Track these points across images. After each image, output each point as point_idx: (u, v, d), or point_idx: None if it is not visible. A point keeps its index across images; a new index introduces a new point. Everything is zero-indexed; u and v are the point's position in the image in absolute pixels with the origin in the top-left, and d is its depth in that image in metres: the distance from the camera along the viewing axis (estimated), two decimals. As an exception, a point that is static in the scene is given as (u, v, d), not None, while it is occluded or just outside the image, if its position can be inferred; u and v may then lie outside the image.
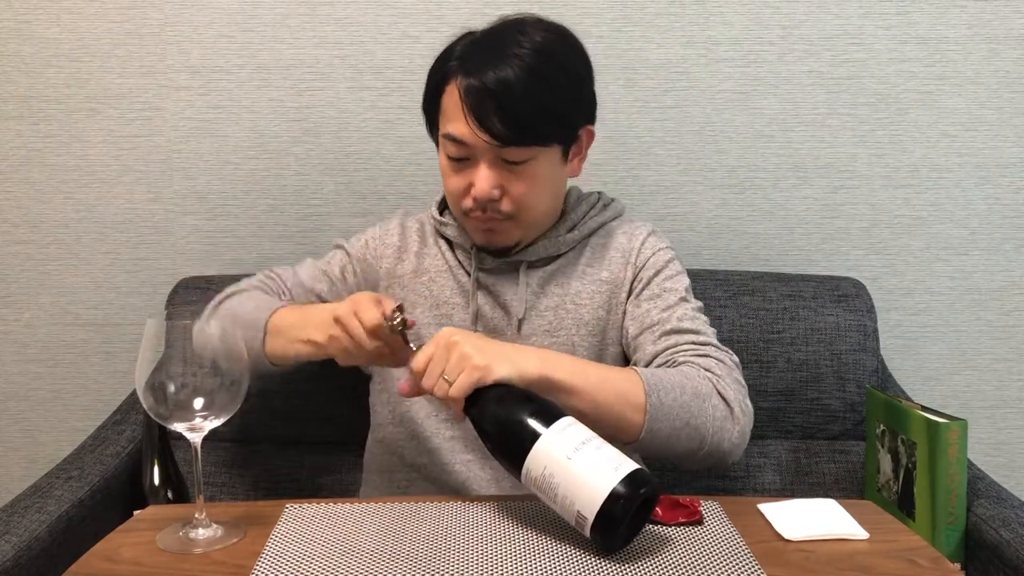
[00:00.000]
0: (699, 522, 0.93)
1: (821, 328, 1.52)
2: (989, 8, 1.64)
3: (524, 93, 1.09)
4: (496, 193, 1.14)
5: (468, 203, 1.16)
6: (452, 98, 1.13)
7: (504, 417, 0.92)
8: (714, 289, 1.55)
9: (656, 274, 1.23)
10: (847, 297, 1.55)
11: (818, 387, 1.52)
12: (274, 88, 1.66)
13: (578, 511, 0.85)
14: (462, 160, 1.15)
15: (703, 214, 1.70)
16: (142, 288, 1.71)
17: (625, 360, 1.24)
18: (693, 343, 1.14)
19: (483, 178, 1.13)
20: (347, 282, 1.31)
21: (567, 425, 0.89)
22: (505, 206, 1.15)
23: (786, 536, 0.91)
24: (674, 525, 0.92)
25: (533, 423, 0.89)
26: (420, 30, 1.64)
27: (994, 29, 1.65)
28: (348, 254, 1.32)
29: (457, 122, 1.12)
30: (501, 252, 1.23)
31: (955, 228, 1.71)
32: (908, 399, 1.42)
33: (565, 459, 0.86)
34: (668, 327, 1.16)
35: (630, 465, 0.85)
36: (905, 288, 1.72)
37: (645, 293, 1.21)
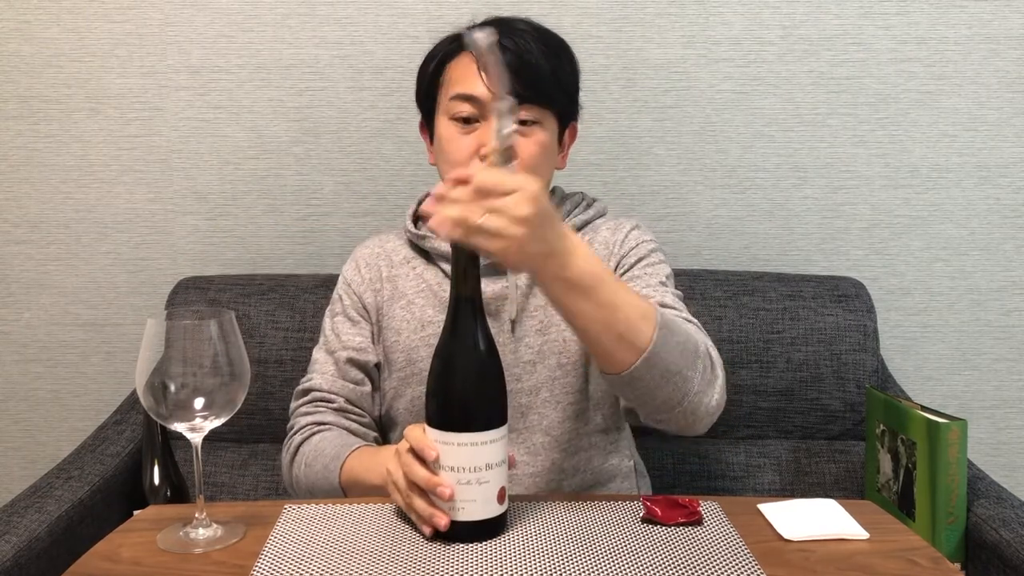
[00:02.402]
0: (698, 522, 0.93)
1: (821, 328, 1.52)
2: (989, 8, 1.64)
3: (538, 57, 1.13)
4: None
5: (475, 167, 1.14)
6: (461, 65, 1.16)
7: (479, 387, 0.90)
8: (714, 289, 1.55)
9: (638, 261, 1.21)
10: (847, 297, 1.55)
11: (818, 387, 1.52)
12: (274, 88, 1.66)
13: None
14: (470, 122, 1.15)
15: (703, 214, 1.70)
16: (142, 288, 1.71)
17: None
18: (679, 315, 1.11)
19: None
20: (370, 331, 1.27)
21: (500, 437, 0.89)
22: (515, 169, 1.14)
23: (786, 536, 0.91)
24: (673, 525, 0.92)
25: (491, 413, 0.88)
26: (420, 30, 1.64)
27: (994, 29, 1.65)
28: (343, 311, 1.27)
29: (470, 81, 1.14)
30: None
31: (955, 228, 1.71)
32: (908, 399, 1.42)
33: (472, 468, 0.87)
34: (654, 302, 1.10)
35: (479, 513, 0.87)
36: (905, 288, 1.72)
37: (626, 276, 1.19)
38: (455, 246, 0.89)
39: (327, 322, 1.28)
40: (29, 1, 1.63)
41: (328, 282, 1.56)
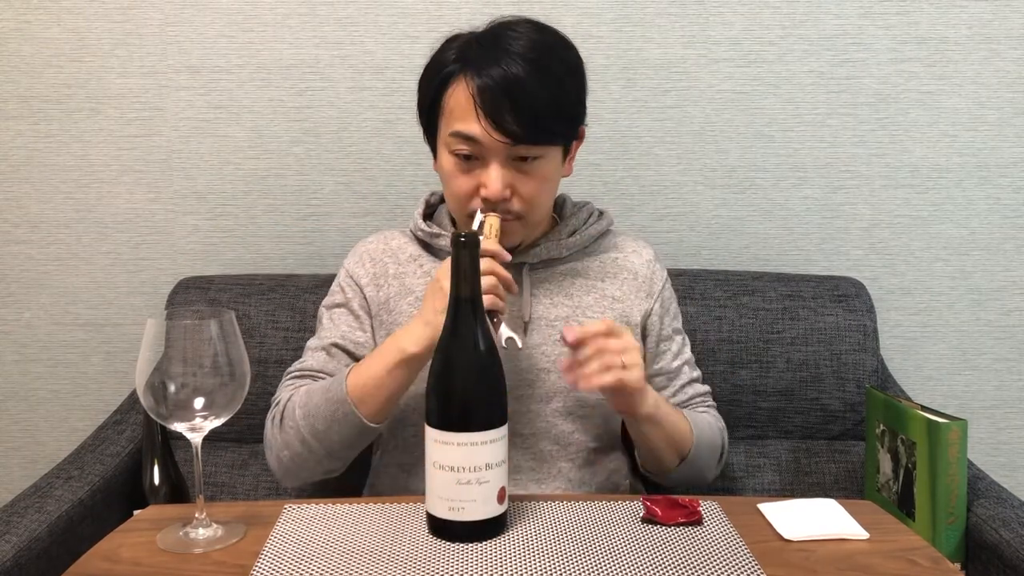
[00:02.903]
0: (698, 522, 0.93)
1: (821, 328, 1.52)
2: (989, 8, 1.64)
3: (536, 90, 1.09)
4: (507, 193, 1.13)
5: (476, 204, 1.14)
6: (458, 98, 1.11)
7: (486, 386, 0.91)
8: (714, 289, 1.55)
9: (666, 312, 1.29)
10: (847, 297, 1.55)
11: (818, 387, 1.52)
12: (274, 88, 1.66)
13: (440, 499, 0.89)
14: (470, 159, 1.13)
15: (703, 214, 1.70)
16: (142, 288, 1.71)
17: None
18: (702, 395, 1.31)
19: (495, 178, 1.11)
20: (366, 315, 1.25)
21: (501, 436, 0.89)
22: (515, 205, 1.14)
23: (786, 536, 0.91)
24: (673, 525, 0.92)
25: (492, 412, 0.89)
26: (420, 30, 1.64)
27: (994, 29, 1.65)
28: (345, 303, 1.26)
29: (468, 121, 1.10)
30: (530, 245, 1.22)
31: (955, 228, 1.71)
32: (908, 399, 1.42)
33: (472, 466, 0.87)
34: (684, 379, 1.29)
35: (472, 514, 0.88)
36: (905, 288, 1.72)
37: (662, 334, 1.28)
38: (455, 246, 0.89)
39: (324, 313, 1.27)
40: (29, 1, 1.63)
41: (328, 282, 1.56)
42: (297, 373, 1.22)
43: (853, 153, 1.68)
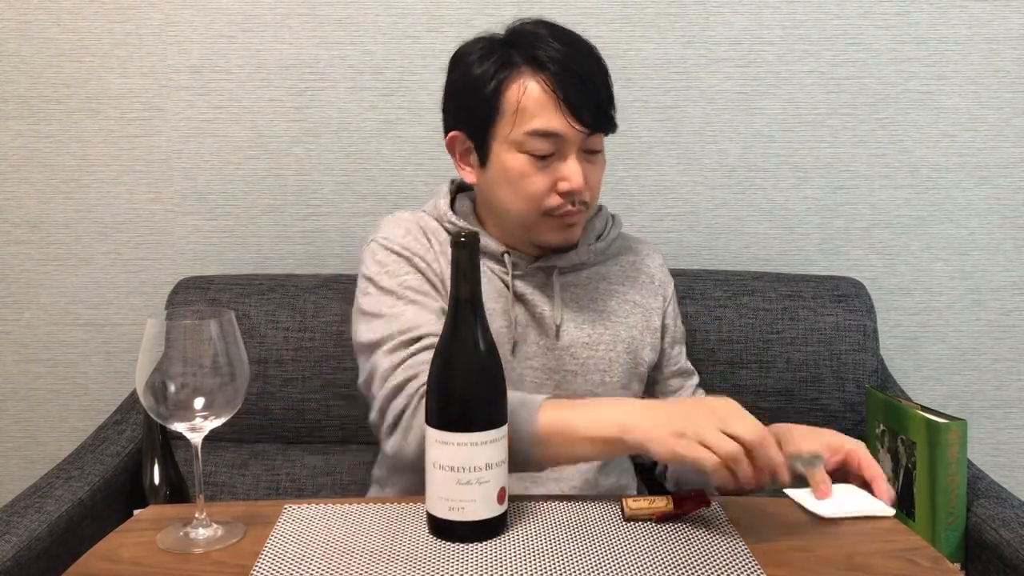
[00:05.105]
0: (707, 504, 0.95)
1: (821, 328, 1.52)
2: (989, 8, 1.64)
3: (600, 79, 1.13)
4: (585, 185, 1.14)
5: (554, 201, 1.13)
6: (532, 95, 1.10)
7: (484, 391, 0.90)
8: (714, 289, 1.55)
9: (676, 315, 1.33)
10: (847, 297, 1.55)
11: (818, 387, 1.52)
12: (274, 88, 1.66)
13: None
14: (546, 157, 1.12)
15: (703, 214, 1.70)
16: (142, 288, 1.71)
17: (648, 377, 1.30)
18: (696, 386, 1.33)
19: (577, 171, 1.12)
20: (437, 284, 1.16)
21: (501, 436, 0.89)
22: (586, 196, 1.15)
23: (821, 514, 0.94)
24: (685, 515, 0.93)
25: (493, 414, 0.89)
26: (420, 30, 1.64)
27: (994, 29, 1.65)
28: (421, 273, 1.16)
29: (547, 116, 1.10)
30: (570, 248, 1.20)
31: (955, 228, 1.71)
32: (908, 399, 1.42)
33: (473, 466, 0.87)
34: (696, 379, 1.34)
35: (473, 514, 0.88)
36: (905, 288, 1.72)
37: (676, 336, 1.32)
38: (455, 247, 0.89)
39: (394, 291, 1.13)
40: (29, 1, 1.63)
41: (328, 282, 1.57)
42: (422, 346, 1.07)
43: (853, 153, 1.68)
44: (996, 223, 1.71)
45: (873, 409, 1.41)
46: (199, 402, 0.88)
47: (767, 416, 1.53)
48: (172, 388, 0.87)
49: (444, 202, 1.23)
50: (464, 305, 0.89)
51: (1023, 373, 1.75)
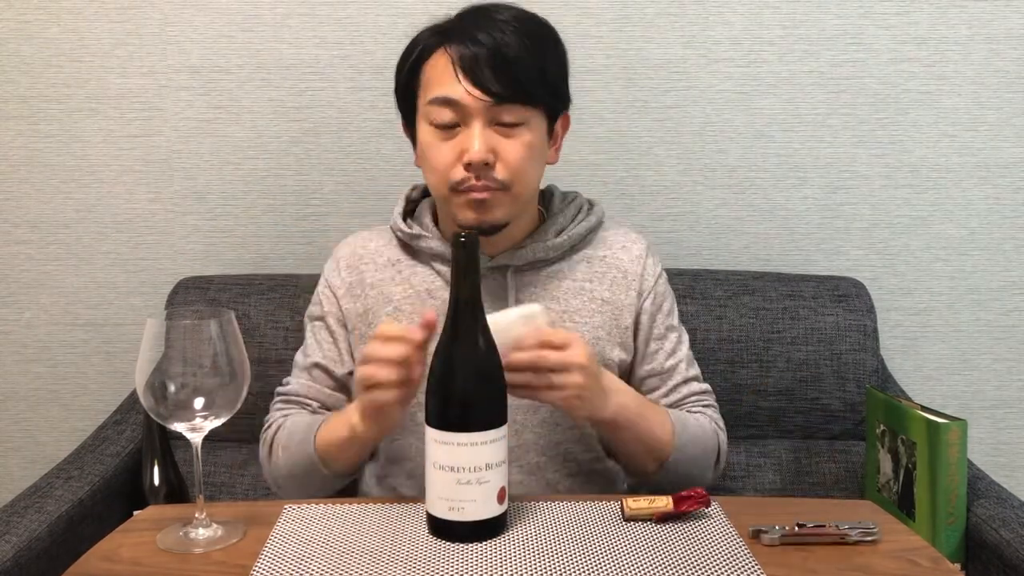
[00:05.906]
0: (707, 504, 0.94)
1: (821, 328, 1.52)
2: (989, 8, 1.64)
3: (518, 51, 1.08)
4: (491, 157, 1.08)
5: (459, 174, 1.09)
6: (438, 65, 1.10)
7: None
8: (714, 289, 1.55)
9: (658, 310, 1.24)
10: (847, 297, 1.55)
11: (818, 387, 1.52)
12: (274, 88, 1.66)
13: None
14: (451, 128, 1.10)
15: (703, 214, 1.70)
16: (142, 288, 1.71)
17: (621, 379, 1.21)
18: (698, 393, 1.24)
19: (478, 138, 1.07)
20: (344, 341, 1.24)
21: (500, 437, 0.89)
22: (500, 173, 1.09)
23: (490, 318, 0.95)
24: (686, 514, 0.93)
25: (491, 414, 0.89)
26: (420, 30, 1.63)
27: (994, 29, 1.65)
28: (323, 317, 1.24)
29: (448, 84, 1.08)
30: (488, 231, 1.14)
31: (955, 228, 1.71)
32: (908, 399, 1.42)
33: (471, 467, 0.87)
34: (679, 378, 1.23)
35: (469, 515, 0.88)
36: (905, 288, 1.72)
37: (653, 333, 1.23)
38: (455, 247, 0.89)
39: (307, 324, 1.27)
40: (29, 1, 1.63)
41: (328, 282, 1.57)
42: (283, 397, 1.23)
43: (853, 153, 1.68)
44: (996, 223, 1.71)
45: (873, 409, 1.41)
46: (199, 402, 0.88)
47: (767, 416, 1.54)
48: (172, 388, 0.87)
49: (398, 209, 1.25)
50: (464, 305, 0.89)
51: (1023, 373, 1.75)
